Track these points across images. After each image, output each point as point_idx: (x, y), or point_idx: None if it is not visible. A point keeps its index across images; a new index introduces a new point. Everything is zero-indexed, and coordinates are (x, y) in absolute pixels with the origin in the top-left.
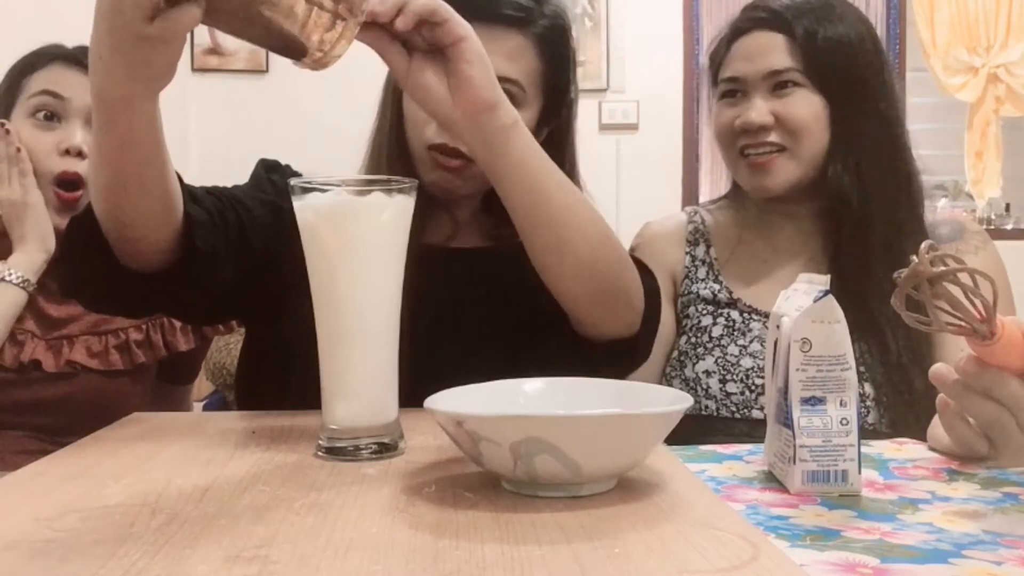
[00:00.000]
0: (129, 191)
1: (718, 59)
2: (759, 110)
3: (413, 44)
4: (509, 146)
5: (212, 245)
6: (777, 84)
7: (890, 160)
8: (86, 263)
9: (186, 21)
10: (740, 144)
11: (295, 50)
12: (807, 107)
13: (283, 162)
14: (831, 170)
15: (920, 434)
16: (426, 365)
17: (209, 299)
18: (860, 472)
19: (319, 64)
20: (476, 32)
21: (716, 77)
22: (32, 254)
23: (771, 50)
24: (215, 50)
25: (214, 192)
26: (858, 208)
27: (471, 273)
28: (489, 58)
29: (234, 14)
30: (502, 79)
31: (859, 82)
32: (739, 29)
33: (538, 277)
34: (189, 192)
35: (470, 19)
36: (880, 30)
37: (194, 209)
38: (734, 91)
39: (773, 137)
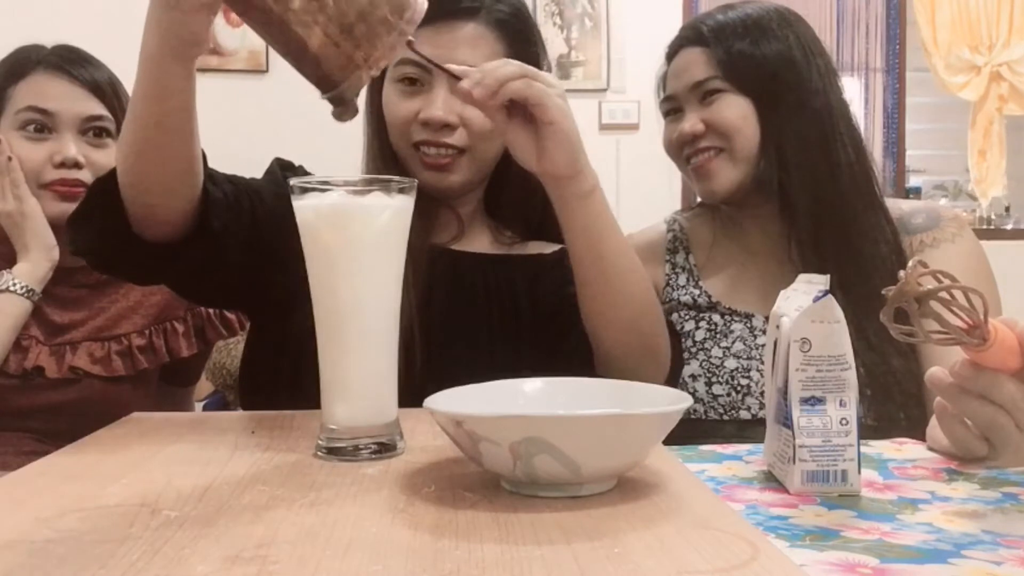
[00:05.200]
0: (152, 149)
1: (660, 83)
2: (690, 121)
3: (513, 105)
4: (580, 212)
5: (224, 226)
6: (704, 94)
7: (820, 154)
8: (99, 221)
9: None
10: (685, 154)
11: (316, 79)
12: (733, 109)
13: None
14: (761, 165)
15: (906, 425)
16: (432, 366)
17: (212, 279)
18: (860, 472)
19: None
20: (438, 27)
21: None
22: (36, 263)
23: (693, 64)
24: (215, 50)
25: (232, 179)
26: (807, 207)
27: (479, 277)
28: (452, 47)
29: (258, 23)
30: (466, 65)
31: (777, 80)
32: (670, 52)
33: (546, 288)
34: (209, 173)
35: (431, 15)
36: (880, 30)
37: (212, 189)
38: (672, 109)
39: (707, 142)
